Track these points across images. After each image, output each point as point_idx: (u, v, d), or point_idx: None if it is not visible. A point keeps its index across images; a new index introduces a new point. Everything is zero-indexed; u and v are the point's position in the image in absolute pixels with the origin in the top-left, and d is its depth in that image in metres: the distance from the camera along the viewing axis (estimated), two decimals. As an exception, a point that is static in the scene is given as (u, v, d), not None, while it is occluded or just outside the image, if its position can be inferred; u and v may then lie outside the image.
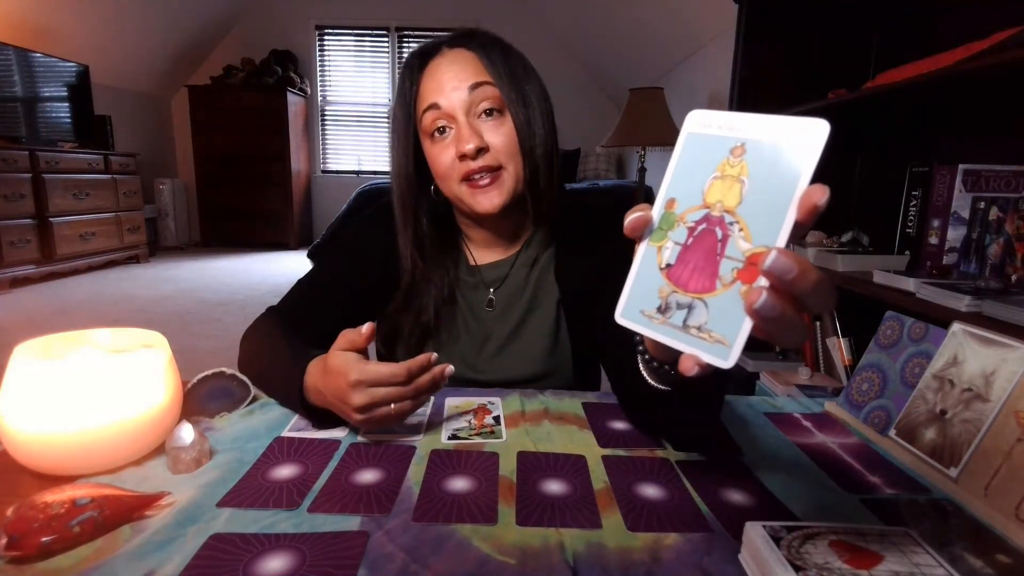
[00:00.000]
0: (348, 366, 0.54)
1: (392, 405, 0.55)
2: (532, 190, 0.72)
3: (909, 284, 1.12)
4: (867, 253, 1.41)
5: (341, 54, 5.81)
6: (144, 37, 4.81)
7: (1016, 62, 0.94)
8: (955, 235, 1.22)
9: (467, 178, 0.69)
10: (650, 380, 0.48)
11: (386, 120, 5.84)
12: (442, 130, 0.70)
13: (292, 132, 5.38)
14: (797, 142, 0.29)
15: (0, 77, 3.55)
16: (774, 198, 0.30)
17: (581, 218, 0.81)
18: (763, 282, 0.29)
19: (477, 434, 0.61)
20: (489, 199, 0.69)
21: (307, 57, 5.69)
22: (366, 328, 0.57)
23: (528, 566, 0.40)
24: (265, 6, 5.57)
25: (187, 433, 0.52)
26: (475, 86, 0.69)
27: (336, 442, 0.59)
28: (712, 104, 3.34)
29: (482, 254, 0.82)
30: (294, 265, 4.62)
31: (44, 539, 0.40)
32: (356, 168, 5.97)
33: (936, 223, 1.25)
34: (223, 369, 0.69)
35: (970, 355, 0.55)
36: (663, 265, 0.34)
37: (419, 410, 0.63)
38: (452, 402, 0.69)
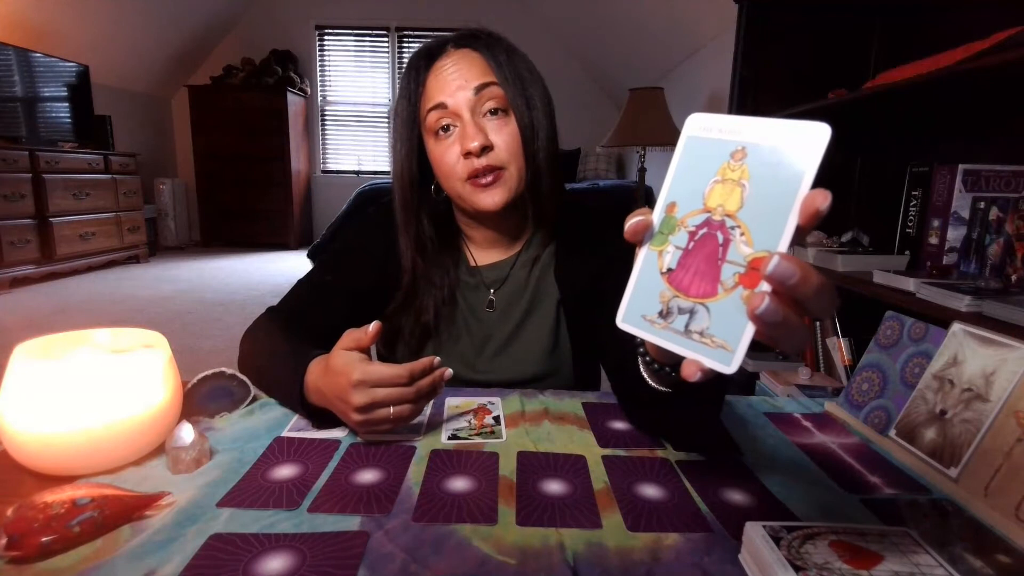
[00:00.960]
0: (350, 366, 0.54)
1: (392, 408, 0.55)
2: (533, 192, 0.73)
3: (909, 284, 1.12)
4: (867, 253, 1.41)
5: (341, 54, 5.81)
6: (144, 37, 4.80)
7: (1016, 62, 0.94)
8: (955, 235, 1.22)
9: (471, 176, 0.69)
10: (651, 382, 0.48)
11: (386, 120, 5.85)
12: (446, 128, 0.70)
13: (292, 132, 5.38)
14: (798, 146, 0.29)
15: (0, 77, 3.55)
16: (775, 202, 0.30)
17: (581, 218, 0.81)
18: (765, 287, 0.29)
19: (477, 434, 0.61)
20: (491, 197, 0.70)
21: (307, 57, 5.69)
22: (372, 327, 0.56)
23: (528, 566, 0.40)
24: (265, 6, 5.57)
25: (187, 433, 0.52)
26: (481, 87, 0.69)
27: (336, 442, 0.59)
28: (712, 104, 3.34)
29: (482, 255, 0.82)
30: (294, 265, 4.62)
31: (44, 539, 0.40)
32: (356, 168, 5.97)
33: (936, 223, 1.25)
34: (223, 369, 0.69)
35: (970, 355, 0.55)
36: (664, 269, 0.34)
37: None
38: (452, 402, 0.69)
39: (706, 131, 0.33)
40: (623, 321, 0.35)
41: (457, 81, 0.69)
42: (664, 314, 0.33)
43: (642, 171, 3.56)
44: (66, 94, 4.07)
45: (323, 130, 5.93)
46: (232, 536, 0.43)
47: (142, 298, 3.41)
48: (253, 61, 5.43)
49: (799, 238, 0.29)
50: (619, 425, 0.64)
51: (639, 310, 0.35)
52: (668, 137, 3.45)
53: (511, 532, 0.44)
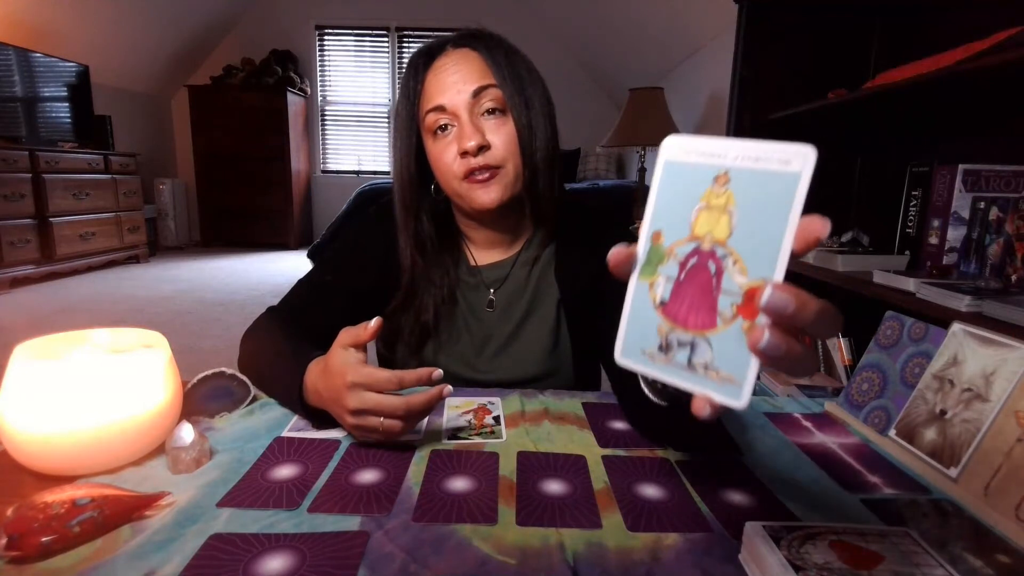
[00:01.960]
0: (347, 367, 0.54)
1: (382, 419, 0.53)
2: (531, 191, 0.73)
3: (909, 284, 1.12)
4: (867, 253, 1.41)
5: (341, 54, 5.80)
6: (144, 37, 4.80)
7: (1016, 62, 0.94)
8: (955, 235, 1.22)
9: (468, 175, 0.69)
10: (651, 396, 0.47)
11: (386, 120, 5.85)
12: (444, 128, 0.70)
13: (292, 132, 5.37)
14: (784, 169, 0.28)
15: (0, 77, 3.55)
16: (766, 229, 0.29)
17: (581, 218, 0.81)
18: (763, 320, 0.28)
19: (477, 434, 0.61)
20: (488, 194, 0.70)
21: (307, 57, 5.69)
22: (373, 322, 0.56)
23: (528, 566, 0.40)
24: (265, 6, 5.57)
25: (187, 433, 0.52)
26: (479, 90, 0.69)
27: (336, 442, 0.59)
28: (712, 104, 3.34)
29: (482, 255, 0.82)
30: (294, 265, 4.61)
31: (44, 539, 0.40)
32: (356, 168, 5.97)
33: (936, 223, 1.25)
34: (223, 369, 0.69)
35: (970, 355, 0.55)
36: (657, 302, 0.33)
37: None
38: (452, 402, 0.69)
39: (685, 154, 0.32)
40: (622, 356, 0.34)
41: (457, 84, 0.69)
42: (664, 348, 0.32)
43: (642, 171, 3.56)
44: (66, 94, 4.07)
45: (323, 130, 5.93)
46: (232, 536, 0.43)
47: (142, 298, 3.41)
48: (253, 61, 5.43)
49: (795, 259, 0.29)
50: (619, 425, 0.64)
51: (637, 344, 0.33)
52: (668, 137, 3.45)
53: (511, 532, 0.44)
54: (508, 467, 0.54)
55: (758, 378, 0.29)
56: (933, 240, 1.26)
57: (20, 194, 3.45)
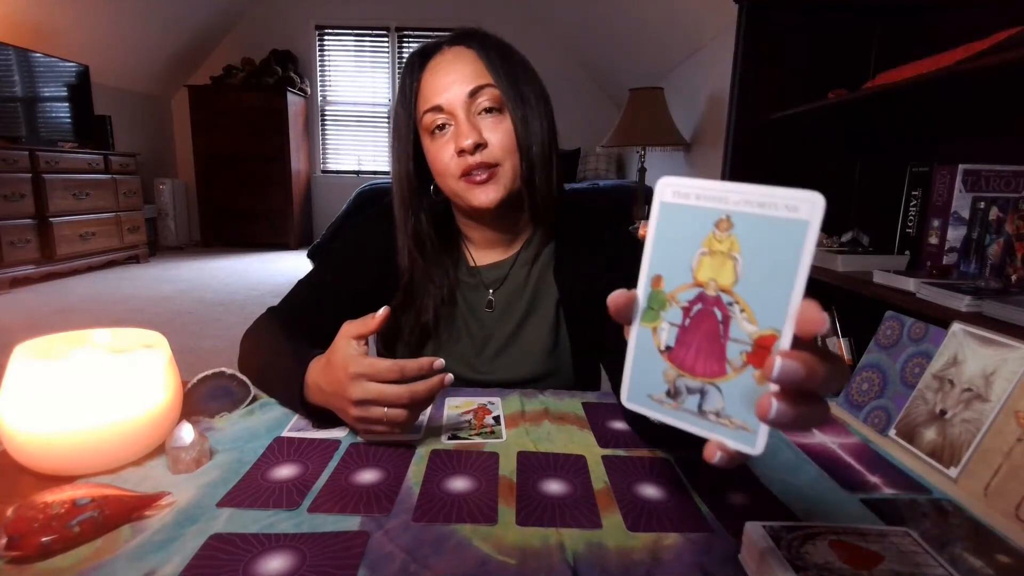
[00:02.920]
0: (349, 359, 0.54)
1: (386, 409, 0.54)
2: (529, 188, 0.73)
3: (909, 284, 1.12)
4: (867, 253, 1.41)
5: (341, 54, 5.80)
6: (144, 37, 4.80)
7: (1016, 62, 0.94)
8: (955, 235, 1.22)
9: (465, 174, 0.69)
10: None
11: (386, 120, 5.85)
12: (441, 127, 0.70)
13: (292, 132, 5.37)
14: (792, 216, 0.27)
15: (0, 77, 3.55)
16: (775, 277, 0.28)
17: (581, 218, 0.81)
18: (772, 387, 0.28)
19: (477, 434, 0.61)
20: (486, 193, 0.70)
21: (307, 57, 5.68)
22: (381, 312, 0.55)
23: (528, 566, 0.40)
24: (265, 6, 5.57)
25: (187, 433, 0.52)
26: (475, 89, 0.69)
27: (336, 442, 0.59)
28: (712, 104, 3.34)
29: (482, 255, 0.82)
30: (294, 265, 4.62)
31: (44, 539, 0.40)
32: (356, 168, 5.97)
33: (936, 223, 1.25)
34: (223, 369, 0.69)
35: (970, 355, 0.55)
36: (662, 347, 0.32)
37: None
38: (452, 402, 0.69)
39: (682, 197, 0.31)
40: (628, 401, 0.34)
41: (453, 85, 0.69)
42: (672, 394, 0.32)
43: (642, 171, 3.56)
44: (66, 94, 4.07)
45: (323, 130, 5.93)
46: (232, 536, 0.43)
47: (142, 298, 3.41)
48: (253, 61, 5.43)
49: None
50: (619, 425, 0.64)
51: (644, 389, 0.33)
52: (668, 137, 3.45)
53: (511, 532, 0.44)
54: (508, 467, 0.54)
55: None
56: (933, 240, 1.26)
57: (20, 194, 3.45)
